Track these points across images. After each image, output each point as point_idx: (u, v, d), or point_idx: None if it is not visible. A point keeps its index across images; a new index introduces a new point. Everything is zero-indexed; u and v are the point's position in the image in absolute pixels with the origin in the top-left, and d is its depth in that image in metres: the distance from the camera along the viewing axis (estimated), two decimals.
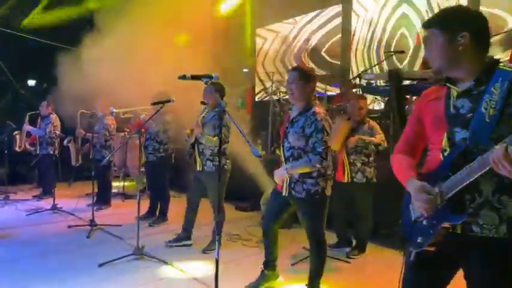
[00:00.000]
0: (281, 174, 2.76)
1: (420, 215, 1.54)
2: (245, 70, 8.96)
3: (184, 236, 4.19)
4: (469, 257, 1.47)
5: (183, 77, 2.35)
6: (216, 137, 3.77)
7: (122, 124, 6.33)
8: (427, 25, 1.55)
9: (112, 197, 6.17)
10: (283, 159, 2.83)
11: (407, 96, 4.90)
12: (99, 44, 5.77)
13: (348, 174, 3.88)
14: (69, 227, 4.80)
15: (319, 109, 2.74)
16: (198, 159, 3.98)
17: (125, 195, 6.64)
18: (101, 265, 3.52)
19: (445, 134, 1.50)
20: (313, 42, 7.86)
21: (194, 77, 2.36)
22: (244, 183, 5.57)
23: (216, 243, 2.20)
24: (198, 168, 4.00)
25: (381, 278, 3.30)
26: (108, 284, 3.21)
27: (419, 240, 1.53)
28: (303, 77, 2.74)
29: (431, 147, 1.61)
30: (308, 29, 7.99)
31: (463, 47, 1.47)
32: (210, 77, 2.35)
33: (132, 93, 5.50)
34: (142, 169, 6.37)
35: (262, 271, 3.17)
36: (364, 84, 5.21)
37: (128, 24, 5.69)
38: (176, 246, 4.14)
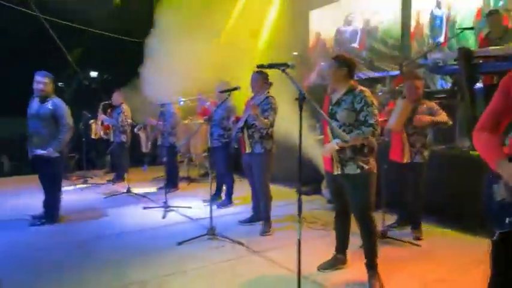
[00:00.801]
0: (331, 147, 2.87)
1: (509, 195, 1.54)
2: (295, 53, 8.89)
3: (256, 216, 4.42)
4: None
5: (261, 66, 2.44)
6: (267, 120, 4.02)
7: (184, 112, 6.65)
8: None
9: (180, 180, 6.49)
10: (330, 138, 2.94)
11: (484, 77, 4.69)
12: (163, 35, 6.04)
13: (407, 154, 3.89)
14: (144, 208, 5.16)
15: (364, 88, 2.93)
16: (247, 142, 4.17)
17: (189, 179, 6.97)
18: (180, 243, 3.79)
19: None
20: (372, 21, 7.62)
21: (271, 66, 2.46)
22: (305, 166, 5.64)
23: (297, 224, 2.31)
24: (247, 151, 4.21)
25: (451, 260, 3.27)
26: (189, 260, 3.46)
27: (507, 221, 1.54)
28: (337, 62, 2.94)
29: None
30: (366, 8, 7.76)
31: None
32: (287, 65, 2.42)
33: (194, 82, 5.74)
34: (206, 154, 6.69)
35: (334, 254, 3.28)
36: (430, 64, 5.02)
37: (189, 16, 5.90)
38: (246, 225, 4.38)
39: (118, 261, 3.47)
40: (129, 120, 6.52)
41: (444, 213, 4.31)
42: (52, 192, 4.55)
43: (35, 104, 4.44)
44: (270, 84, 4.21)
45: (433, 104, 3.97)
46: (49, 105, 4.39)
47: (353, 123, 2.86)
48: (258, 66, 2.47)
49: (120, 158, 6.73)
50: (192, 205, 5.25)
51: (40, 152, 4.35)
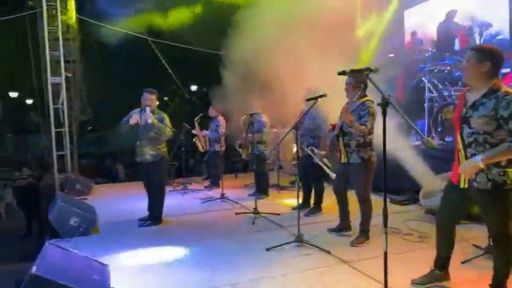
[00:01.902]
0: (474, 166, 2.44)
1: None
2: (390, 55, 8.47)
3: (343, 225, 4.30)
4: None
5: (343, 73, 2.41)
6: (364, 126, 3.77)
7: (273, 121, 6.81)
8: None
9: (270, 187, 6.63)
10: (461, 146, 2.61)
11: None
12: (248, 46, 6.28)
13: None
14: (237, 214, 5.39)
15: (508, 89, 2.49)
16: (343, 151, 4.00)
17: (279, 187, 7.08)
18: (268, 249, 3.88)
19: None
20: (475, 17, 6.92)
21: (354, 71, 2.41)
22: (400, 176, 5.33)
23: (384, 235, 2.21)
24: (342, 161, 4.03)
25: None
26: (277, 266, 3.52)
27: None
28: (477, 56, 2.54)
29: None
30: (467, 3, 7.08)
31: None
32: (370, 70, 2.35)
33: (284, 91, 5.83)
34: (295, 162, 6.72)
35: (432, 270, 3.01)
36: None
37: (269, 25, 6.04)
38: (335, 234, 4.29)
39: (211, 262, 3.68)
40: (223, 131, 6.91)
41: None
42: (157, 197, 5.04)
43: (142, 117, 4.96)
44: (366, 87, 3.94)
45: None
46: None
47: (491, 132, 2.47)
48: (339, 73, 2.42)
49: (215, 166, 7.14)
50: (281, 212, 5.32)
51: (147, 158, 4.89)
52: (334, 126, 4.09)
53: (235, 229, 4.76)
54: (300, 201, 5.42)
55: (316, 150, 4.89)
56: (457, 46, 7.25)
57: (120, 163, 11.99)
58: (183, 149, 7.23)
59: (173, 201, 6.17)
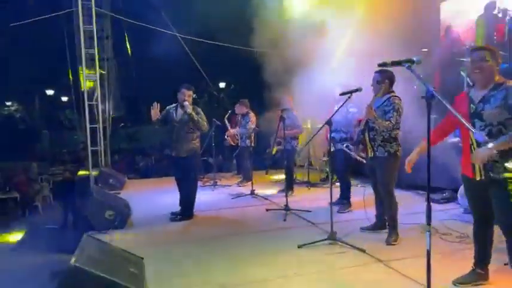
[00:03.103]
0: (486, 153, 2.49)
1: None
2: (424, 50, 8.17)
3: (379, 224, 4.22)
4: None
5: (383, 65, 2.33)
6: (388, 122, 3.74)
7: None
8: None
9: (298, 185, 6.60)
10: (473, 141, 2.63)
11: None
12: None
13: None
14: (267, 210, 5.36)
15: None
16: (369, 146, 3.97)
17: (310, 184, 6.99)
18: (300, 246, 3.83)
19: None
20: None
21: (394, 63, 2.32)
22: (437, 173, 5.14)
23: (427, 234, 2.12)
24: (370, 155, 4.01)
25: None
26: (309, 263, 3.47)
27: None
28: (493, 55, 2.65)
29: None
30: None
31: None
32: (412, 61, 2.25)
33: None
34: (325, 158, 6.64)
35: (473, 269, 2.92)
36: None
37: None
38: (370, 233, 4.20)
39: (242, 258, 3.68)
40: (253, 126, 6.89)
41: None
42: (189, 192, 5.09)
43: (178, 113, 5.01)
44: (393, 83, 3.93)
45: None
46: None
47: (503, 122, 2.55)
48: (380, 65, 2.34)
49: (246, 161, 7.16)
50: (312, 209, 5.24)
51: (184, 154, 4.98)
52: (360, 122, 4.03)
53: (266, 225, 4.73)
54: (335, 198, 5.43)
55: (350, 146, 4.79)
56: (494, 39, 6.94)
57: (152, 158, 12.24)
58: (213, 144, 7.27)
59: (203, 196, 6.21)
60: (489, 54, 2.63)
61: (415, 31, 7.87)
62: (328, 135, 4.88)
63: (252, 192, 6.28)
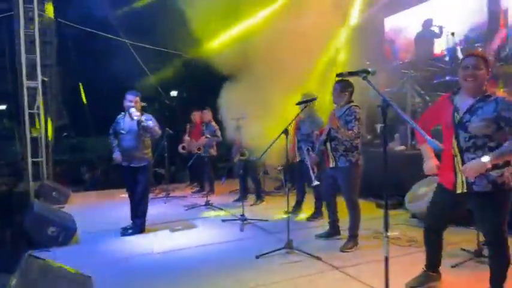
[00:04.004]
0: (481, 166, 2.41)
1: None
2: (367, 63, 8.57)
3: (333, 231, 4.29)
4: None
5: (341, 75, 2.37)
6: (351, 131, 3.80)
7: None
8: None
9: (252, 194, 6.57)
10: (456, 152, 2.58)
11: None
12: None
13: None
14: (223, 221, 5.27)
15: (504, 93, 2.59)
16: (331, 156, 4.01)
17: (264, 192, 6.98)
18: (257, 257, 3.79)
19: None
20: (452, 26, 7.12)
21: (351, 74, 2.38)
22: (385, 179, 5.35)
23: (384, 240, 2.17)
24: (331, 165, 4.04)
25: None
26: (267, 274, 3.43)
27: None
28: (485, 63, 2.56)
29: None
30: (445, 11, 7.28)
31: None
32: (367, 72, 2.32)
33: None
34: (281, 167, 6.69)
35: (425, 271, 3.02)
36: None
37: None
38: (325, 240, 4.26)
39: (197, 271, 3.56)
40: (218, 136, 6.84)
41: None
42: (141, 204, 4.86)
43: (126, 121, 4.80)
44: (352, 92, 4.00)
45: None
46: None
47: (490, 135, 2.48)
48: (338, 75, 2.39)
49: (210, 171, 7.06)
50: (269, 218, 5.24)
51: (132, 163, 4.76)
52: (321, 132, 4.09)
53: (222, 236, 4.64)
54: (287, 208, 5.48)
55: (311, 152, 4.86)
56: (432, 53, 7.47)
57: (98, 170, 11.64)
58: (165, 154, 7.06)
59: (156, 208, 6.00)
60: (483, 63, 2.55)
61: (360, 45, 8.27)
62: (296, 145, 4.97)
63: (207, 203, 6.17)
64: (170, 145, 7.31)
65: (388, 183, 2.49)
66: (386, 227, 2.16)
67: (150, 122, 4.72)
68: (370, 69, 2.31)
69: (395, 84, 7.37)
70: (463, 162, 2.55)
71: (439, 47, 7.36)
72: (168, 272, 3.58)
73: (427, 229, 2.97)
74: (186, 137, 7.64)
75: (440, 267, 3.03)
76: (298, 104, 4.05)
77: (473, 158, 2.50)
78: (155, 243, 4.48)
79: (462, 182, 2.58)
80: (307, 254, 3.79)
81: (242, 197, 6.30)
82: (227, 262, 3.77)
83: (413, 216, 4.98)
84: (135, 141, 4.76)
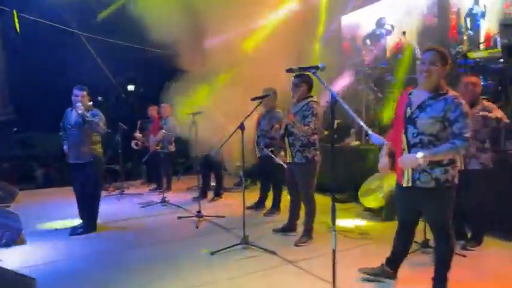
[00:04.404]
0: (412, 160, 2.48)
1: None
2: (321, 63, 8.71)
3: (290, 226, 4.33)
4: None
5: (291, 70, 2.38)
6: (307, 127, 3.81)
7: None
8: None
9: (211, 191, 6.51)
10: (405, 146, 2.61)
11: None
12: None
13: (462, 161, 3.56)
14: (179, 218, 5.18)
15: (457, 93, 2.56)
16: (288, 151, 4.04)
17: (224, 189, 6.93)
18: (213, 253, 3.76)
19: None
20: (404, 21, 7.39)
21: (302, 69, 2.39)
22: (341, 174, 5.49)
23: (333, 233, 2.20)
24: (289, 160, 4.08)
25: (499, 274, 3.02)
26: (222, 270, 3.41)
27: None
28: (443, 59, 2.54)
29: None
30: (397, 10, 7.55)
31: None
32: (317, 68, 2.34)
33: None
34: (239, 163, 6.65)
35: (382, 265, 3.04)
36: (472, 64, 4.78)
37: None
38: (282, 236, 4.28)
39: (150, 271, 3.47)
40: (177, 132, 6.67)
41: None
42: (90, 202, 4.67)
43: (72, 116, 4.59)
44: (311, 87, 3.99)
45: (490, 104, 3.65)
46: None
47: (436, 135, 2.51)
48: (287, 71, 2.39)
49: (169, 168, 6.91)
50: (226, 214, 5.21)
51: (79, 160, 4.56)
52: (281, 126, 4.09)
53: (177, 234, 4.56)
54: (248, 203, 5.46)
55: (275, 151, 4.86)
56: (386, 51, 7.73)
57: (46, 167, 11.09)
58: (119, 150, 6.82)
59: (109, 206, 5.79)
60: (440, 59, 2.52)
61: (320, 42, 8.41)
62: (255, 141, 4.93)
63: (163, 200, 6.04)
64: (126, 141, 7.09)
65: (336, 178, 2.51)
66: (334, 221, 2.19)
67: (95, 117, 4.52)
68: (319, 65, 2.33)
69: (352, 82, 7.57)
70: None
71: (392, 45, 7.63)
72: (119, 272, 3.46)
73: (399, 225, 2.97)
74: (137, 134, 7.43)
75: (399, 268, 3.02)
76: (254, 99, 4.03)
77: None
78: (105, 242, 4.33)
79: (408, 176, 2.63)
80: (263, 249, 3.81)
81: (202, 194, 6.25)
82: (180, 260, 3.70)
83: (366, 209, 5.14)
84: (81, 136, 4.55)
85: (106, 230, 4.76)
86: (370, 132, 2.01)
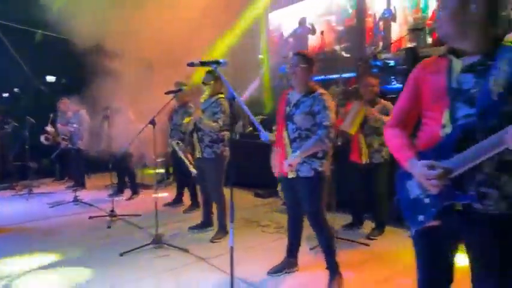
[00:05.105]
0: (294, 161, 2.76)
1: (421, 193, 1.50)
2: (261, 56, 8.84)
3: (206, 223, 4.28)
4: (471, 231, 1.45)
5: (192, 64, 2.31)
6: (216, 123, 3.83)
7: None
8: None
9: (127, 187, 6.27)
10: (287, 141, 2.85)
11: None
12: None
13: (365, 155, 3.88)
14: (90, 218, 4.89)
15: (324, 91, 2.87)
16: (197, 146, 4.02)
17: (143, 185, 6.70)
18: (121, 254, 3.58)
19: (447, 110, 1.43)
20: (327, 22, 7.68)
21: (203, 63, 2.33)
22: (262, 170, 5.55)
23: (231, 230, 2.18)
24: (198, 155, 4.06)
25: (399, 260, 3.25)
26: (130, 271, 3.27)
27: (420, 218, 1.50)
28: (306, 61, 2.84)
29: (427, 121, 1.54)
30: (321, 8, 7.82)
31: (475, 15, 1.39)
32: (218, 63, 2.29)
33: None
34: (161, 159, 6.46)
35: (286, 258, 3.18)
36: (381, 65, 5.08)
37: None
38: (198, 233, 4.22)
39: (58, 274, 3.23)
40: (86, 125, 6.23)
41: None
42: None
43: None
44: (222, 83, 3.94)
45: (387, 103, 3.91)
46: None
47: (310, 128, 2.79)
48: (188, 64, 2.31)
49: (79, 164, 6.48)
50: (143, 212, 5.01)
51: None
52: (189, 121, 4.04)
53: (88, 235, 4.29)
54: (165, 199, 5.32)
55: (181, 144, 4.76)
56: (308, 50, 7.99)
57: None
58: (26, 146, 6.26)
59: (15, 207, 5.30)
60: (303, 61, 2.82)
61: (247, 39, 8.43)
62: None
63: (76, 199, 5.66)
64: (35, 136, 6.53)
65: (234, 172, 2.55)
66: (232, 218, 2.16)
67: None
68: (221, 61, 2.29)
69: (276, 79, 7.72)
70: (292, 151, 2.82)
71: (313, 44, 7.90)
72: (23, 276, 3.16)
73: (289, 218, 3.17)
74: (49, 127, 6.91)
75: (298, 254, 3.22)
76: (167, 93, 3.91)
77: (298, 148, 2.79)
78: (10, 244, 3.96)
79: (291, 169, 2.83)
80: (175, 247, 3.72)
81: (118, 191, 5.97)
82: (89, 262, 3.48)
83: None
84: None
85: (10, 232, 4.37)
86: (260, 130, 2.02)
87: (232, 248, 2.16)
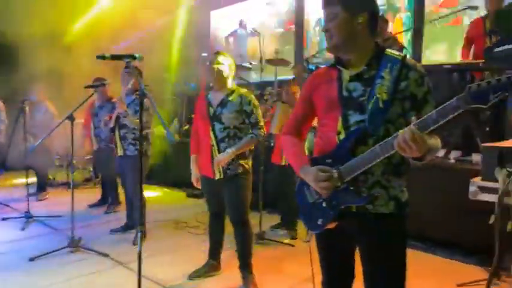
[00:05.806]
0: (226, 158, 2.75)
1: (318, 198, 1.55)
2: (204, 54, 8.68)
3: (129, 224, 4.11)
4: (363, 231, 1.52)
5: (102, 57, 2.16)
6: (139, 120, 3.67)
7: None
8: (330, 2, 1.50)
9: (55, 187, 5.87)
10: (214, 142, 2.81)
11: None
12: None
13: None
14: (3, 219, 4.50)
15: (246, 90, 2.94)
16: (119, 144, 3.87)
17: (69, 185, 6.29)
18: (32, 259, 3.33)
19: (340, 117, 1.49)
20: (266, 24, 7.74)
21: (114, 57, 2.19)
22: (185, 170, 5.44)
23: (138, 234, 2.08)
24: (119, 153, 3.90)
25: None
26: (40, 278, 3.03)
27: (319, 222, 1.55)
28: (223, 59, 2.84)
29: (322, 129, 1.60)
30: (262, 9, 7.87)
31: (361, 27, 1.46)
32: (133, 57, 2.17)
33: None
34: (89, 157, 6.12)
35: (208, 260, 3.13)
36: (314, 68, 5.18)
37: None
38: (119, 234, 4.05)
39: None
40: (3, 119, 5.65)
41: None
42: None
43: None
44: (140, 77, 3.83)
45: None
46: None
47: (238, 127, 2.82)
48: (98, 57, 2.16)
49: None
50: (65, 213, 4.68)
51: None
52: (110, 118, 3.85)
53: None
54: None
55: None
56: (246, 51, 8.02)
57: None
58: None
59: None
60: (220, 60, 2.84)
61: (190, 37, 8.26)
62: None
63: None
64: None
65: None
66: (142, 222, 2.06)
67: None
68: (136, 55, 2.17)
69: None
70: (220, 151, 2.79)
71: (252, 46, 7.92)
72: None
73: (210, 217, 3.11)
74: None
75: (221, 255, 3.17)
76: (87, 87, 3.68)
77: (227, 147, 2.77)
78: None
79: (220, 169, 2.80)
80: (94, 251, 3.52)
81: (38, 189, 5.57)
82: None
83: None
84: None
85: None
86: (165, 130, 1.95)
87: (140, 253, 2.05)
